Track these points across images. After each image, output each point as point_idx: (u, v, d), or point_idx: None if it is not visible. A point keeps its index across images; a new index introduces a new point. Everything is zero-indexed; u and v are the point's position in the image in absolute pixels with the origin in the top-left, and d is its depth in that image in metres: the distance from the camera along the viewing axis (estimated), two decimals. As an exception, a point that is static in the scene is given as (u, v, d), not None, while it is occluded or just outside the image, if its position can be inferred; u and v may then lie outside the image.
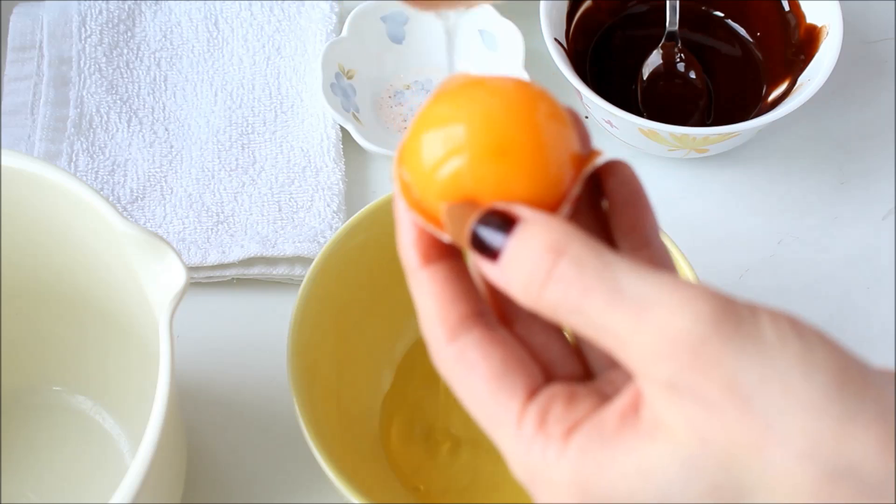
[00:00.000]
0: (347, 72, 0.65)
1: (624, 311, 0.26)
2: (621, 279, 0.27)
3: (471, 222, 0.28)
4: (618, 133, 0.62)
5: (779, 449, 0.25)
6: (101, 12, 0.67)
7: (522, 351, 0.30)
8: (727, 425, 0.25)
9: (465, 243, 0.29)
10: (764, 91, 0.65)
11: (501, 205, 0.29)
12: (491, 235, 0.28)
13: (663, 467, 0.26)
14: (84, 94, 0.64)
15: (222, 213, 0.60)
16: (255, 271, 0.58)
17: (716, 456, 0.26)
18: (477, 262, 0.29)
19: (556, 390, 0.29)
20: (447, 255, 0.30)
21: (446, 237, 0.29)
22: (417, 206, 0.30)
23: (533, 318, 0.31)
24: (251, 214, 0.60)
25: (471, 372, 0.29)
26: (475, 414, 0.29)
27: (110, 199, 0.59)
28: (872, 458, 0.25)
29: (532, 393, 0.29)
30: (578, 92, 0.60)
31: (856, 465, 0.25)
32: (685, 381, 0.26)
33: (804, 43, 0.63)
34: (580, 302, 0.27)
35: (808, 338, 0.26)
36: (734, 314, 0.26)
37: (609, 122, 0.61)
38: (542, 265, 0.27)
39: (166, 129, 0.64)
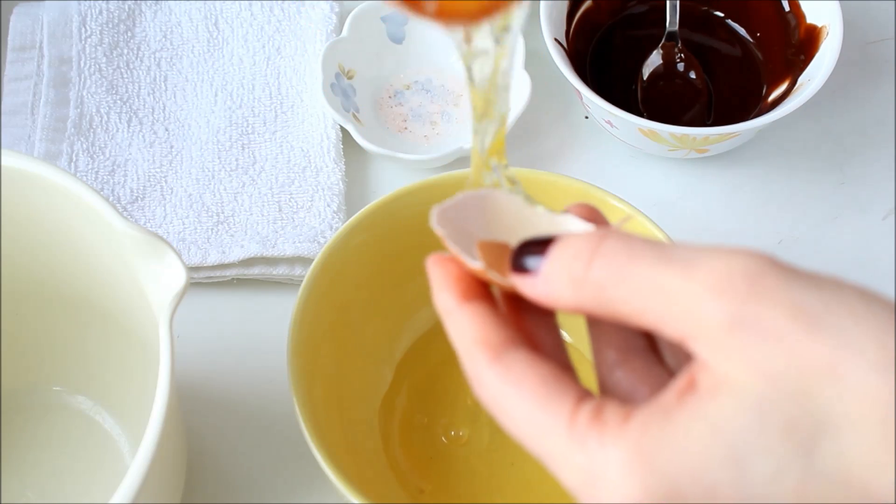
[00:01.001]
0: (347, 72, 0.65)
1: (673, 268, 0.26)
2: (666, 247, 0.27)
3: (512, 252, 0.29)
4: (618, 133, 0.62)
5: (854, 364, 0.24)
6: (101, 12, 0.67)
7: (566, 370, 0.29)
8: (796, 353, 0.25)
9: (505, 267, 0.30)
10: (764, 91, 0.65)
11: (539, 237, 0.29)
12: (532, 253, 0.29)
13: (732, 418, 0.25)
14: (84, 94, 0.64)
15: (222, 213, 0.60)
16: (255, 271, 0.58)
17: (786, 390, 0.25)
18: (517, 282, 0.29)
19: (607, 397, 0.28)
20: (480, 296, 0.30)
21: (476, 263, 0.30)
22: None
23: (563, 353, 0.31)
24: (251, 214, 0.60)
25: (518, 386, 0.28)
26: (521, 432, 0.28)
27: (110, 200, 0.59)
28: None
29: (582, 398, 0.28)
30: (578, 92, 0.60)
31: None
32: (745, 314, 0.25)
33: (804, 43, 0.63)
34: (627, 269, 0.27)
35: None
36: (784, 261, 0.26)
37: (609, 122, 0.61)
38: (587, 247, 0.27)
39: (166, 130, 0.64)
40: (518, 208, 0.32)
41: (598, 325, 0.31)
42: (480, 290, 0.30)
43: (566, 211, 0.32)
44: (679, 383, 0.27)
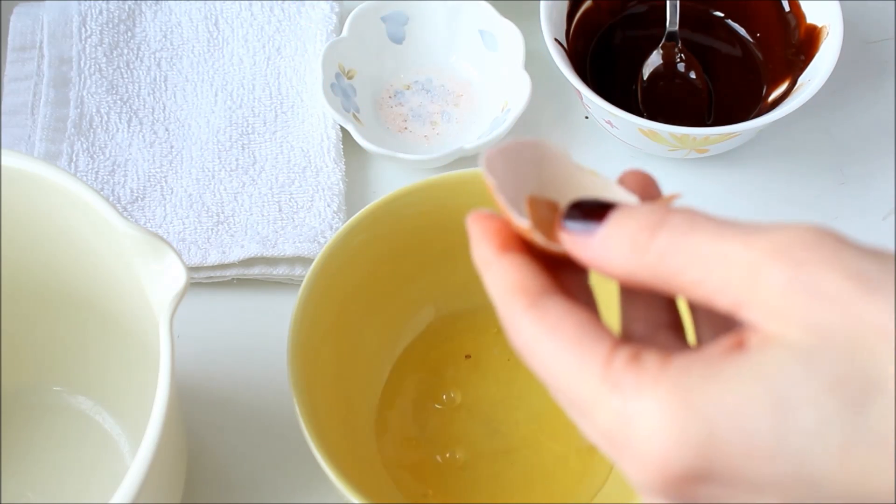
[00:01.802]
0: (347, 72, 0.65)
1: (735, 238, 0.26)
2: (728, 221, 0.27)
3: (564, 210, 0.29)
4: (618, 133, 0.62)
5: None
6: (101, 12, 0.67)
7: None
8: (850, 312, 0.24)
9: (551, 228, 0.30)
10: (764, 91, 0.65)
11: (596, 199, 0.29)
12: (588, 215, 0.29)
13: (780, 367, 0.25)
14: (84, 94, 0.64)
15: (222, 213, 0.60)
16: (255, 271, 0.58)
17: (838, 346, 0.24)
18: (568, 241, 0.29)
19: (645, 344, 0.28)
20: (518, 249, 0.30)
21: (523, 221, 0.29)
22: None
23: None
24: (251, 214, 0.60)
25: (553, 330, 0.28)
26: (554, 377, 0.28)
27: (110, 200, 0.59)
28: None
29: (619, 343, 0.28)
30: (578, 92, 0.60)
31: None
32: (802, 277, 0.25)
33: (804, 43, 0.63)
34: (689, 238, 0.27)
35: None
36: (842, 233, 0.26)
37: (609, 123, 0.61)
38: (653, 218, 0.28)
39: (166, 130, 0.64)
40: (568, 168, 0.31)
41: (631, 297, 0.31)
42: (519, 243, 0.30)
43: (620, 179, 0.32)
44: (726, 341, 0.26)
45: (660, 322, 0.31)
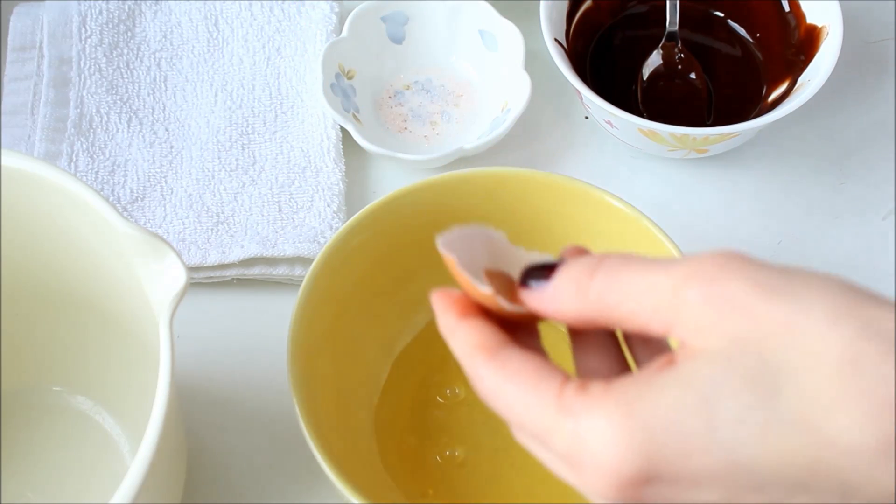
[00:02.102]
0: (347, 72, 0.65)
1: (658, 269, 0.31)
2: (656, 258, 0.31)
3: (521, 271, 0.34)
4: (618, 133, 0.62)
5: (806, 320, 0.28)
6: (101, 12, 0.67)
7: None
8: (756, 316, 0.28)
9: (508, 292, 0.35)
10: (764, 91, 0.65)
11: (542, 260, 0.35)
12: (540, 273, 0.34)
13: (702, 373, 0.29)
14: (84, 94, 0.64)
15: (222, 213, 0.60)
16: (255, 271, 0.58)
17: (749, 346, 0.28)
18: (527, 296, 0.34)
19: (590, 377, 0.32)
20: (475, 313, 0.35)
21: (486, 289, 0.34)
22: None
23: None
24: (251, 215, 0.60)
25: (511, 376, 0.32)
26: (516, 415, 0.32)
27: (110, 200, 0.59)
28: (890, 320, 0.28)
29: (568, 378, 0.32)
30: (578, 92, 0.60)
31: (878, 323, 0.27)
32: (714, 291, 0.29)
33: (804, 43, 0.63)
34: (621, 275, 0.31)
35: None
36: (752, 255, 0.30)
37: (609, 123, 0.61)
38: (590, 263, 0.32)
39: (166, 130, 0.64)
40: (508, 248, 0.37)
41: (580, 340, 0.35)
42: (476, 309, 0.35)
43: (562, 254, 0.36)
44: (660, 361, 0.30)
45: (609, 354, 0.35)
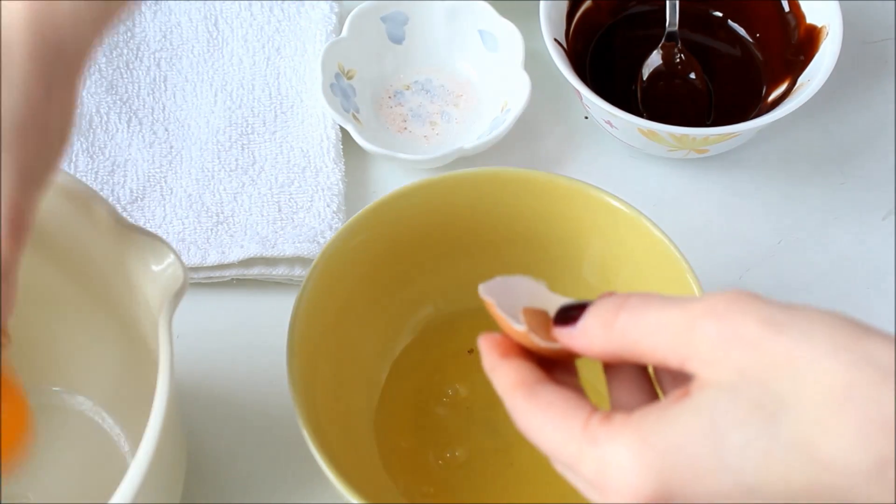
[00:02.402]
0: (347, 72, 0.65)
1: (675, 305, 0.33)
2: (675, 297, 0.34)
3: (557, 311, 0.38)
4: (618, 133, 0.62)
5: (807, 353, 0.30)
6: (100, 12, 0.66)
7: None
8: (762, 349, 0.31)
9: (543, 330, 0.38)
10: (764, 91, 0.65)
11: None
12: (573, 312, 0.37)
13: (710, 403, 0.31)
14: (84, 94, 0.64)
15: (222, 213, 0.60)
16: (254, 272, 0.58)
17: (753, 380, 0.31)
18: (560, 333, 0.37)
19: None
20: (515, 353, 0.38)
21: (520, 327, 0.37)
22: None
23: None
24: (251, 215, 0.60)
25: (544, 409, 0.35)
26: (548, 444, 0.35)
27: (110, 200, 0.59)
28: (887, 352, 0.30)
29: (595, 410, 0.35)
30: (578, 92, 0.60)
31: (874, 354, 0.30)
32: (727, 325, 0.32)
33: (804, 43, 0.63)
34: (642, 313, 0.34)
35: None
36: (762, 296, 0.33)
37: (609, 123, 0.61)
38: (615, 302, 0.35)
39: (166, 130, 0.64)
40: (545, 292, 0.40)
41: (613, 371, 0.37)
42: (516, 350, 0.38)
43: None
44: (677, 393, 0.33)
45: (638, 390, 0.37)
